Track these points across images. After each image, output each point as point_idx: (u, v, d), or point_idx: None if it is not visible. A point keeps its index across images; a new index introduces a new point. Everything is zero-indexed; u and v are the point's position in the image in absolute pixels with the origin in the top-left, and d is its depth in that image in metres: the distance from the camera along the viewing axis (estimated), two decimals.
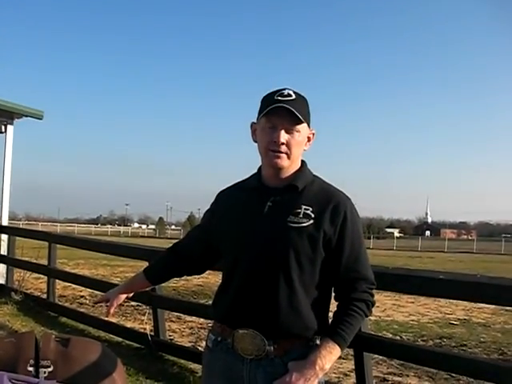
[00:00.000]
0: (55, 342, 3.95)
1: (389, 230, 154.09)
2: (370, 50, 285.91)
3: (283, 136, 2.33)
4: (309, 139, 2.46)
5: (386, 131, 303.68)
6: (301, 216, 2.33)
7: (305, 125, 2.38)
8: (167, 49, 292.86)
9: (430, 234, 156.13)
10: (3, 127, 11.64)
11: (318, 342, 2.36)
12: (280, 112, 2.31)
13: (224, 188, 2.68)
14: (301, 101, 2.39)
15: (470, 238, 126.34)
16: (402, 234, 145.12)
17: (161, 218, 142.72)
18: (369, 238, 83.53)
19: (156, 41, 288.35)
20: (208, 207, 2.73)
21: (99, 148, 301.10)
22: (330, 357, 2.28)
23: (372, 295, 2.41)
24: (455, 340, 9.44)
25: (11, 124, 11.74)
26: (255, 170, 2.56)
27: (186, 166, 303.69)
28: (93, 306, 11.05)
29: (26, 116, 11.80)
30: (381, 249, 55.03)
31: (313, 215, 2.32)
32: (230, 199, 2.59)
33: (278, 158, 2.35)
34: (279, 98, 2.33)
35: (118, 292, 2.91)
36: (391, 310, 12.60)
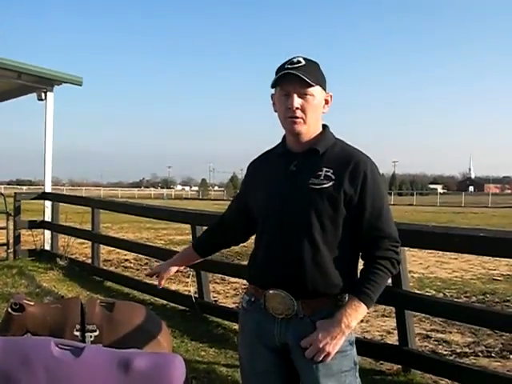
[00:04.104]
0: (100, 307, 4.04)
1: (432, 186, 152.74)
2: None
3: (297, 101, 2.40)
4: (326, 102, 2.52)
5: (424, 86, 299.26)
6: (322, 178, 2.39)
7: (318, 88, 2.44)
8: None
9: (474, 190, 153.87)
10: (43, 94, 11.70)
11: (346, 300, 2.42)
12: (290, 79, 2.39)
13: (253, 158, 2.77)
14: (311, 65, 2.45)
15: None
16: (445, 190, 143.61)
17: (203, 180, 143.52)
18: (412, 195, 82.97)
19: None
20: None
21: (139, 112, 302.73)
22: (356, 315, 2.34)
23: (396, 253, 2.44)
24: (498, 296, 9.33)
25: (51, 91, 11.82)
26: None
27: (228, 126, 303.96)
28: (137, 270, 11.21)
29: (66, 82, 11.87)
30: (424, 205, 54.63)
31: (333, 176, 2.39)
32: (259, 167, 2.71)
33: (295, 123, 2.43)
34: (289, 66, 2.41)
35: (168, 265, 3.04)
36: (434, 267, 12.53)
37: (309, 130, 2.46)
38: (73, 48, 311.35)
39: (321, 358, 2.31)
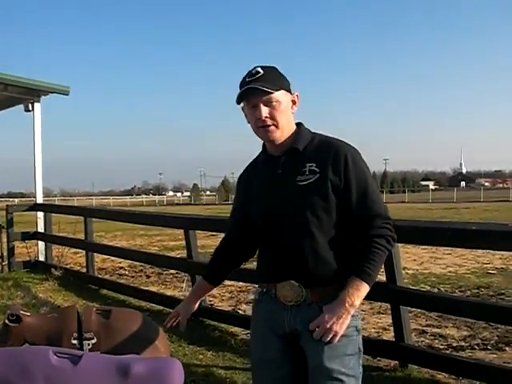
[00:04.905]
0: (97, 315, 4.05)
1: (424, 182, 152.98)
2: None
3: (264, 111, 2.51)
4: (294, 102, 2.63)
5: (416, 84, 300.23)
6: (307, 173, 2.51)
7: (281, 92, 2.54)
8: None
9: (466, 185, 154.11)
10: (30, 105, 11.68)
11: None
12: (253, 91, 2.50)
13: (241, 172, 2.89)
14: (270, 72, 2.55)
15: (505, 186, 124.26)
16: (437, 186, 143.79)
17: (195, 185, 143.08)
18: (404, 192, 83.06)
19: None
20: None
21: (128, 120, 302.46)
22: (358, 294, 2.45)
23: (390, 230, 2.55)
24: (493, 289, 9.39)
25: (38, 102, 11.79)
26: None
27: (217, 130, 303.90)
28: (132, 277, 11.22)
29: (52, 92, 11.86)
30: (416, 202, 54.71)
31: (317, 169, 2.50)
32: (247, 179, 2.81)
33: (268, 131, 2.55)
34: (249, 78, 2.53)
35: (184, 306, 3.10)
36: (428, 263, 12.59)
37: (283, 133, 2.57)
38: (59, 59, 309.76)
39: (329, 338, 2.42)
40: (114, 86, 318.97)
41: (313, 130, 2.69)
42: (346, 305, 2.43)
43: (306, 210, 2.50)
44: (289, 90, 2.59)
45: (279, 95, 2.52)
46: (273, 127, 2.53)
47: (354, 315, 2.52)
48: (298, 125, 2.67)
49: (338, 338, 2.43)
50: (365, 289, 2.46)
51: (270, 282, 2.62)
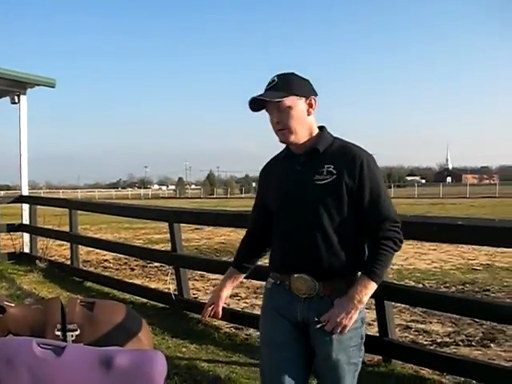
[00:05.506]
0: (80, 306, 4.05)
1: (409, 178, 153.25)
2: None
3: (275, 117, 2.74)
4: (310, 105, 2.78)
5: (402, 80, 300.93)
6: (325, 174, 2.69)
7: (291, 98, 2.71)
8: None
9: (452, 181, 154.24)
10: (16, 98, 11.68)
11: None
12: (259, 100, 2.72)
13: (264, 165, 3.08)
14: (284, 80, 2.74)
15: (492, 182, 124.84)
16: (423, 182, 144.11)
17: (180, 178, 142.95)
18: (389, 187, 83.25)
19: None
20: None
21: (113, 112, 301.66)
22: (366, 291, 2.65)
23: (397, 232, 2.73)
24: (478, 285, 9.40)
25: (24, 94, 11.78)
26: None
27: (202, 124, 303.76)
28: (117, 269, 11.19)
29: (38, 85, 11.82)
30: (402, 197, 54.69)
31: (334, 171, 2.68)
32: (269, 172, 3.02)
33: (283, 134, 2.76)
34: (266, 87, 2.76)
35: (218, 294, 3.15)
36: (413, 259, 12.58)
37: (297, 136, 2.76)
38: (43, 51, 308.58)
39: (339, 331, 2.63)
40: (101, 77, 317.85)
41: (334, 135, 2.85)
42: (355, 301, 2.63)
43: (319, 207, 2.68)
44: (303, 95, 2.74)
45: (290, 101, 2.70)
46: (285, 131, 2.73)
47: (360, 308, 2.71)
48: (321, 128, 2.84)
49: (346, 331, 2.64)
50: (372, 287, 2.66)
51: (284, 274, 2.80)
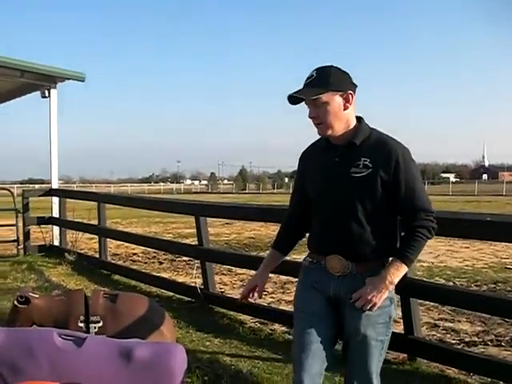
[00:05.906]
0: (104, 298, 4.08)
1: (444, 175, 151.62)
2: None
3: (312, 112, 2.86)
4: (347, 100, 2.86)
5: (439, 74, 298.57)
6: (361, 167, 2.83)
7: (328, 94, 2.81)
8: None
9: (488, 178, 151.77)
10: (47, 92, 11.78)
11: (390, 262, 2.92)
12: (295, 97, 2.83)
13: (302, 152, 3.21)
14: (321, 75, 2.84)
15: None
16: (458, 179, 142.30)
17: (212, 174, 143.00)
18: (423, 184, 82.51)
19: None
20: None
21: (148, 108, 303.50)
22: (397, 273, 2.83)
23: (432, 221, 2.89)
24: (510, 284, 9.22)
25: (54, 88, 11.88)
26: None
27: (236, 119, 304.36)
28: (145, 263, 11.25)
29: (68, 79, 11.92)
30: (436, 194, 54.11)
31: (370, 165, 2.81)
32: (307, 159, 3.15)
33: (320, 129, 2.90)
34: (305, 82, 2.87)
35: (260, 277, 3.31)
36: (445, 256, 12.39)
37: (333, 130, 2.87)
38: (75, 46, 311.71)
39: (368, 308, 2.80)
40: (136, 74, 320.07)
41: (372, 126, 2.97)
42: (387, 282, 2.80)
43: (355, 199, 2.83)
44: (339, 90, 2.82)
45: (326, 97, 2.80)
46: (322, 125, 2.86)
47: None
48: (359, 119, 2.95)
49: (375, 309, 2.80)
50: (403, 269, 2.84)
51: (320, 254, 2.97)
